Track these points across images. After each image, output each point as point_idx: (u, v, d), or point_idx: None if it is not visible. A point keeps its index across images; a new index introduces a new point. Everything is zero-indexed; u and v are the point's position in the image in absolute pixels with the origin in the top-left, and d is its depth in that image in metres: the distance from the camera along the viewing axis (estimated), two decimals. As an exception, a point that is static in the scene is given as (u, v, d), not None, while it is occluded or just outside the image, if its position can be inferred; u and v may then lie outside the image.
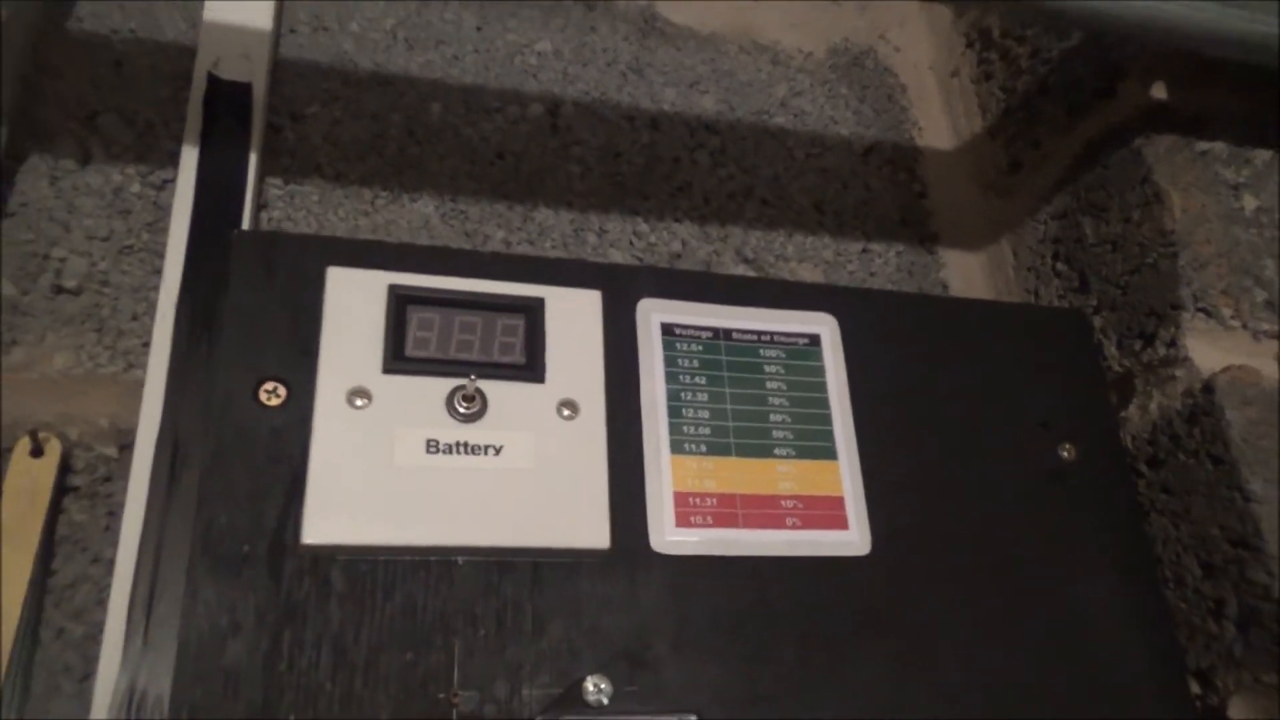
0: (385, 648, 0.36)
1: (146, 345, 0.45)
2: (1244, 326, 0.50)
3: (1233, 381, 0.48)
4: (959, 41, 0.74)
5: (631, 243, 0.60)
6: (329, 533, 0.37)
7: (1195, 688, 0.47)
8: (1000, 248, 0.66)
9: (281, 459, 0.39)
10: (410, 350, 0.42)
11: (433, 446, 0.40)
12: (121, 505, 0.40)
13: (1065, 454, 0.50)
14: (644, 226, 0.61)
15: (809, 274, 0.63)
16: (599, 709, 0.36)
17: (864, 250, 0.65)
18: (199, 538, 0.37)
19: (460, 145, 0.59)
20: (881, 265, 0.65)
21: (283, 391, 0.40)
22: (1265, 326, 0.50)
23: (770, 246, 0.63)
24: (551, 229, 0.59)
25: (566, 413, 0.42)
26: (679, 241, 0.61)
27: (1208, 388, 0.48)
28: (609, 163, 0.62)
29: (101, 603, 0.39)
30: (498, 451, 0.40)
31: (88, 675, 0.38)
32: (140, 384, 0.43)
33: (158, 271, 0.48)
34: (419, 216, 0.56)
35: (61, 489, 0.42)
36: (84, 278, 0.48)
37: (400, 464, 0.39)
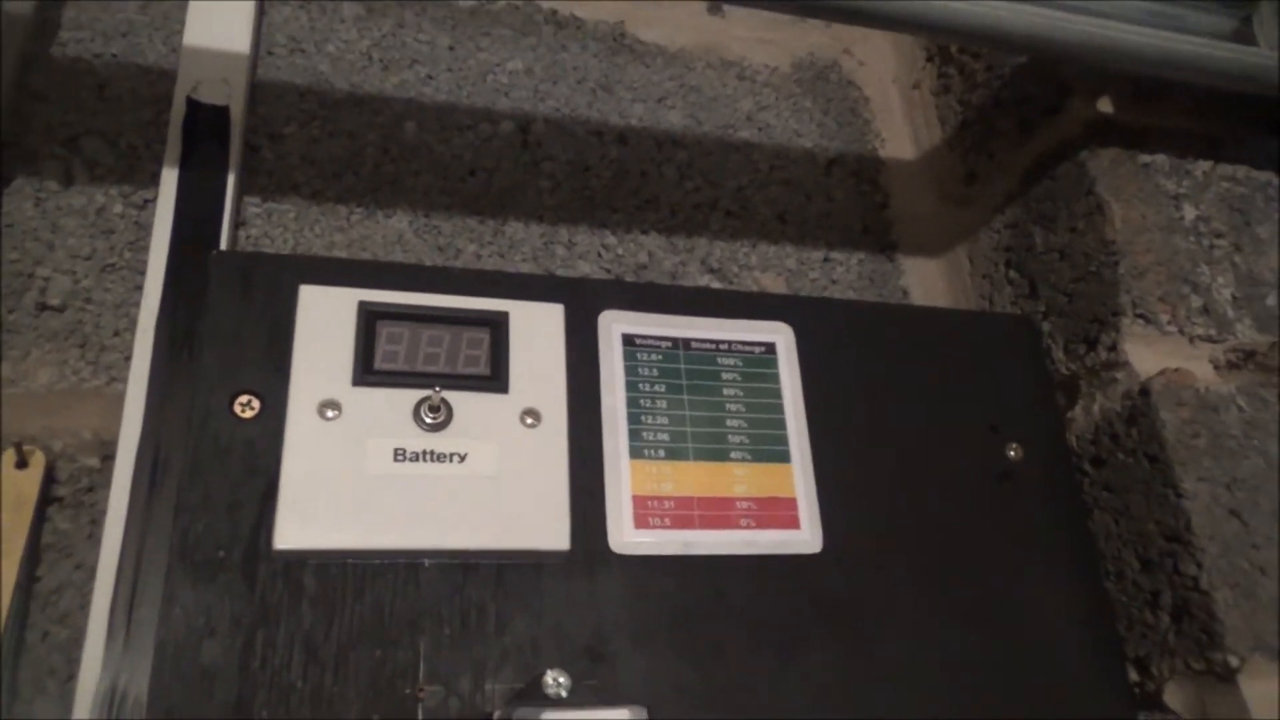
0: (354, 646, 0.38)
1: (128, 360, 0.47)
2: (1180, 331, 0.53)
3: (1168, 384, 0.50)
4: (920, 55, 0.76)
5: (600, 254, 0.62)
6: (301, 538, 0.39)
7: (1134, 675, 0.49)
8: (957, 255, 0.68)
9: (256, 469, 0.41)
10: (379, 364, 0.44)
11: (400, 455, 0.42)
12: (104, 514, 0.42)
13: (1013, 454, 0.52)
14: (612, 239, 0.63)
15: (772, 283, 0.65)
16: (557, 701, 0.38)
17: (826, 259, 0.67)
18: (177, 544, 0.39)
19: (434, 162, 0.62)
20: (843, 273, 0.67)
21: (257, 404, 0.42)
22: (1200, 331, 0.53)
23: (735, 256, 0.65)
24: (521, 242, 0.61)
25: (529, 421, 0.44)
26: (646, 253, 0.63)
27: (1145, 390, 0.51)
28: (578, 177, 0.64)
29: (84, 607, 0.41)
30: (463, 459, 0.42)
31: (71, 676, 0.40)
32: (122, 397, 0.45)
33: (139, 289, 0.50)
34: (393, 232, 0.58)
35: (46, 499, 0.44)
36: (67, 295, 0.50)
37: (369, 472, 0.41)
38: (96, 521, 0.44)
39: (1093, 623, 0.49)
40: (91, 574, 0.41)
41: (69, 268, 0.51)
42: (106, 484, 0.43)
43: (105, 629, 0.38)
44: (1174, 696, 0.47)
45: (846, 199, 0.71)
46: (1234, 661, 0.44)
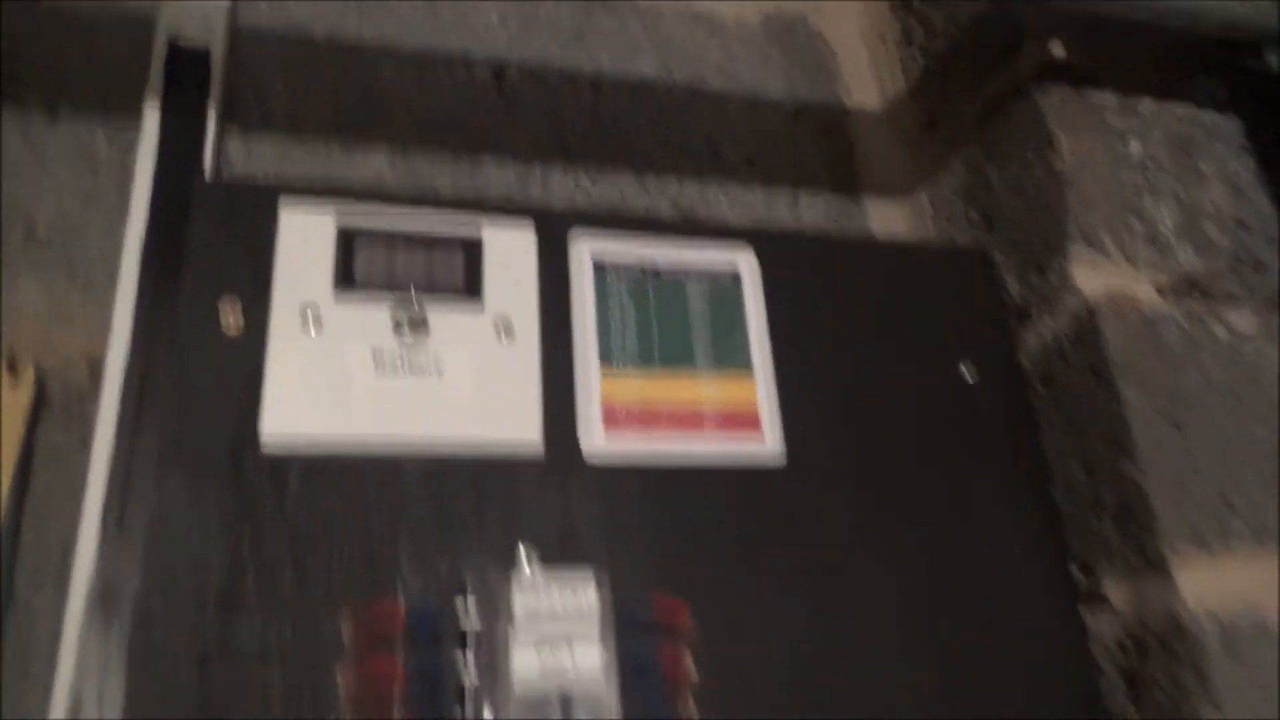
0: (338, 538, 0.40)
1: (115, 284, 0.48)
2: (1126, 258, 0.55)
3: (1113, 305, 0.53)
4: (885, 7, 0.78)
5: (573, 195, 0.64)
6: (286, 441, 0.42)
7: (1079, 575, 0.52)
8: (919, 199, 0.71)
9: (241, 380, 0.43)
10: (359, 281, 0.46)
11: (380, 365, 0.44)
12: (94, 424, 0.44)
13: (969, 377, 0.55)
14: (585, 180, 0.65)
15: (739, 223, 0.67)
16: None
17: (793, 203, 0.70)
18: (168, 447, 0.41)
19: (410, 107, 0.63)
20: (810, 216, 0.70)
21: (242, 321, 0.44)
22: (1144, 257, 0.55)
23: (704, 199, 0.67)
24: (497, 183, 0.63)
25: (503, 334, 0.46)
26: (618, 193, 0.65)
27: (1091, 310, 0.53)
28: (552, 123, 0.66)
29: (77, 508, 0.43)
30: (439, 368, 0.45)
31: (65, 571, 0.42)
32: (109, 320, 0.47)
33: (125, 221, 0.51)
34: (371, 172, 0.60)
35: (39, 409, 0.46)
36: (55, 226, 0.51)
37: (351, 381, 0.43)
38: (88, 431, 0.45)
39: (1041, 529, 0.52)
40: (83, 477, 0.42)
41: (56, 200, 0.52)
42: (96, 396, 0.44)
43: (98, 527, 0.40)
44: (1114, 592, 0.50)
45: (813, 146, 0.73)
46: (1168, 553, 0.47)
